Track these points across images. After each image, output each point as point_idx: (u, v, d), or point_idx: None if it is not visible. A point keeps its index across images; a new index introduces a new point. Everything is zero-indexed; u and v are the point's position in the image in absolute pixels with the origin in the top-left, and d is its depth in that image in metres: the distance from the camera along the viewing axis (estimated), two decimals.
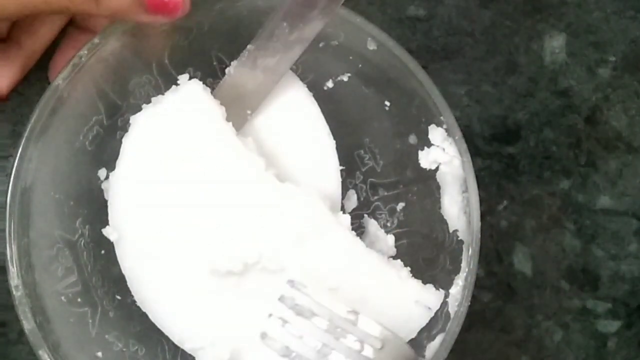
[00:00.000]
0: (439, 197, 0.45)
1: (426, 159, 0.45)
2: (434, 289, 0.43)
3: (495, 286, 0.51)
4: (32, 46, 0.43)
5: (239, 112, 0.43)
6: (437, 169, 0.44)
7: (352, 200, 0.47)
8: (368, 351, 0.39)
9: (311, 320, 0.40)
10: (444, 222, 0.44)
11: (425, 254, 0.45)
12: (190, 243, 0.42)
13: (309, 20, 0.41)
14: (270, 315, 0.41)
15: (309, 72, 0.46)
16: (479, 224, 0.43)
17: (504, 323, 0.51)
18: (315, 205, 0.42)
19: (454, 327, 0.41)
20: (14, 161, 0.40)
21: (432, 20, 0.52)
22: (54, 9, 0.39)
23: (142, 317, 0.43)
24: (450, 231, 0.44)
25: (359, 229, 0.47)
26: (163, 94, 0.43)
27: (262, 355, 0.43)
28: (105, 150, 0.44)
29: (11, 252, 0.40)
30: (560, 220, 0.52)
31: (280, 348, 0.41)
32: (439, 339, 0.42)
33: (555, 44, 0.53)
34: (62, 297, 0.42)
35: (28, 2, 0.38)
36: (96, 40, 0.41)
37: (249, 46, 0.42)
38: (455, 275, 0.43)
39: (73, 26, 0.45)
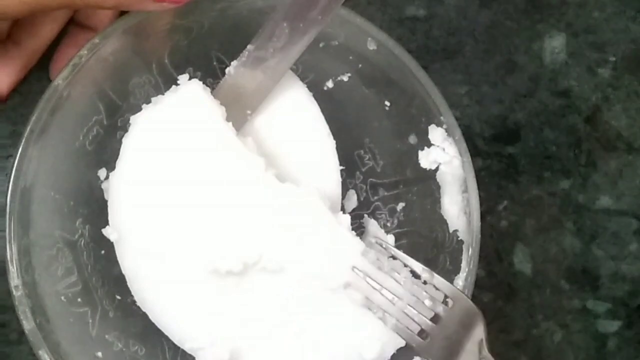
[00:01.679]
0: (439, 197, 0.45)
1: (426, 159, 0.45)
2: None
3: (495, 286, 0.51)
4: (33, 46, 0.43)
5: (239, 112, 0.43)
6: (437, 169, 0.44)
7: (352, 200, 0.47)
8: (439, 308, 0.41)
9: (391, 275, 0.41)
10: (444, 222, 0.44)
11: (425, 254, 0.45)
12: (190, 243, 0.42)
13: (309, 20, 0.41)
14: (353, 268, 0.41)
15: (309, 72, 0.46)
16: (479, 224, 0.43)
17: (504, 323, 0.51)
18: (315, 206, 0.42)
19: None
20: (14, 161, 0.40)
21: (432, 20, 0.52)
22: (60, 4, 0.39)
23: (142, 317, 0.43)
24: (450, 231, 0.44)
25: (359, 229, 0.47)
26: (163, 94, 0.43)
27: (262, 355, 0.43)
28: (105, 150, 0.44)
29: (11, 252, 0.40)
30: (560, 220, 0.52)
31: (360, 299, 0.41)
32: None
33: (555, 44, 0.53)
34: (62, 297, 0.42)
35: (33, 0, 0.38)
36: (96, 40, 0.41)
37: (249, 46, 0.42)
38: (455, 275, 0.43)
39: (74, 24, 0.45)
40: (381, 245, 0.42)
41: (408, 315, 0.41)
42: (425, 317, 0.41)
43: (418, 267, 0.42)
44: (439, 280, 0.41)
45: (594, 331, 0.52)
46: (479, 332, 0.40)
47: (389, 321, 0.41)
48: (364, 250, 0.41)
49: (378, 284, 0.41)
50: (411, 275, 0.42)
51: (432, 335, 0.40)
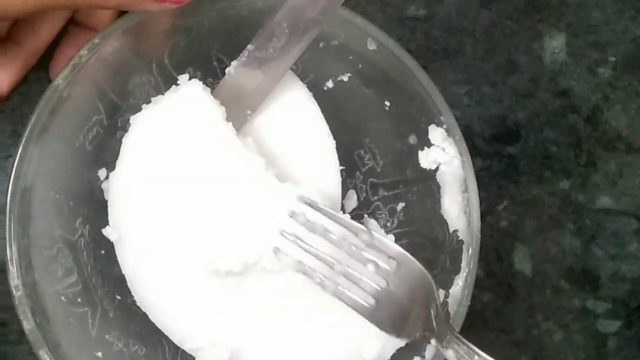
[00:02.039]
0: (439, 197, 0.45)
1: (426, 159, 0.45)
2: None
3: (495, 286, 0.51)
4: (33, 45, 0.43)
5: (239, 112, 0.43)
6: (437, 169, 0.44)
7: (352, 200, 0.47)
8: (383, 272, 0.38)
9: (324, 237, 0.38)
10: (444, 222, 0.44)
11: (425, 254, 0.45)
12: (190, 243, 0.42)
13: (309, 20, 0.41)
14: (281, 232, 0.39)
15: (309, 72, 0.46)
16: (479, 224, 0.43)
17: (504, 323, 0.51)
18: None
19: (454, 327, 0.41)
20: (14, 161, 0.40)
21: (432, 20, 0.52)
22: (62, 5, 0.39)
23: (142, 317, 0.43)
24: (450, 231, 0.44)
25: None
26: (163, 94, 0.43)
27: (262, 355, 0.43)
28: (105, 150, 0.44)
29: (11, 252, 0.40)
30: (560, 220, 0.52)
31: (292, 263, 0.39)
32: None
33: (555, 44, 0.53)
34: (62, 297, 0.42)
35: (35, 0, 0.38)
36: (96, 40, 0.41)
37: (249, 46, 0.42)
38: (455, 275, 0.43)
39: (74, 24, 0.45)
40: (311, 206, 0.39)
41: (349, 280, 0.38)
42: (368, 280, 0.38)
43: (355, 227, 0.38)
44: (381, 240, 0.38)
45: (594, 331, 0.52)
46: (430, 293, 0.37)
47: (328, 286, 0.39)
48: (292, 212, 0.39)
49: (310, 246, 0.38)
50: (355, 236, 0.39)
51: (377, 300, 0.37)
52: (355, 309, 0.38)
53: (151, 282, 0.42)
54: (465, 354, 0.37)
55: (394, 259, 0.38)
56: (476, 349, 0.37)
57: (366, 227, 0.46)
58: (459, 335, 0.37)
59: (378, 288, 0.38)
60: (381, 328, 0.38)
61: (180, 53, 0.44)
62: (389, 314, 0.38)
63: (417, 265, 0.38)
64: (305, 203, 0.39)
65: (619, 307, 0.52)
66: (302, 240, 0.39)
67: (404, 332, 0.38)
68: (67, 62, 0.41)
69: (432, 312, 0.37)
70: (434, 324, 0.37)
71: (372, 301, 0.38)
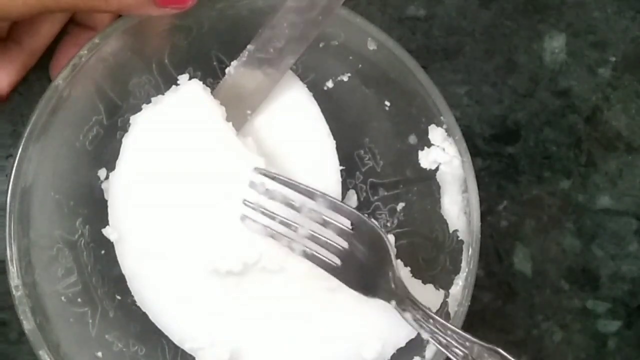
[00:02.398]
0: (439, 197, 0.45)
1: (426, 159, 0.45)
2: (434, 289, 0.43)
3: (495, 286, 0.51)
4: (33, 45, 0.43)
5: (239, 112, 0.43)
6: (437, 169, 0.44)
7: (352, 200, 0.47)
8: (345, 233, 0.39)
9: (285, 203, 0.40)
10: (444, 222, 0.44)
11: (425, 254, 0.45)
12: (190, 243, 0.42)
13: (309, 20, 0.41)
14: (244, 202, 0.40)
15: (309, 72, 0.46)
16: (479, 224, 0.43)
17: (504, 323, 0.51)
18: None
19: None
20: (14, 161, 0.40)
21: (432, 20, 0.52)
22: (63, 7, 0.39)
23: (142, 317, 0.43)
24: (450, 231, 0.44)
25: None
26: (163, 94, 0.43)
27: (262, 355, 0.43)
28: (105, 150, 0.44)
29: (11, 252, 0.40)
30: (560, 220, 0.52)
31: (260, 228, 0.41)
32: None
33: (555, 44, 0.53)
34: (62, 297, 0.42)
35: (36, 1, 0.38)
36: (96, 40, 0.41)
37: (249, 46, 0.42)
38: (455, 275, 0.43)
39: (74, 24, 0.45)
40: (268, 176, 0.40)
41: (314, 242, 0.39)
42: (331, 241, 0.39)
43: (311, 192, 0.40)
44: (337, 204, 0.40)
45: (594, 331, 0.52)
46: (386, 255, 0.39)
47: (296, 248, 0.40)
48: (251, 183, 0.40)
49: (273, 213, 0.40)
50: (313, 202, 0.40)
51: (343, 260, 0.39)
52: (324, 268, 0.40)
53: (151, 282, 0.42)
54: (422, 317, 0.39)
55: (351, 222, 0.40)
56: (431, 313, 0.39)
57: None
58: (414, 299, 0.39)
59: (341, 248, 0.39)
60: (350, 286, 0.40)
61: (180, 53, 0.44)
62: (354, 273, 0.39)
63: (373, 227, 0.39)
64: (262, 174, 0.40)
65: (619, 307, 0.52)
66: (265, 208, 0.40)
67: (370, 291, 0.39)
68: (67, 62, 0.41)
69: (389, 274, 0.39)
70: (393, 286, 0.39)
71: (337, 261, 0.39)
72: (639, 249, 0.52)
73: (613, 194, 0.53)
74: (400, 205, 0.47)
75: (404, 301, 0.39)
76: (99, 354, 0.42)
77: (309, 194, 0.40)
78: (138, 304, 0.43)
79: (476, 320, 0.50)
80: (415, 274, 0.43)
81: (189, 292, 0.42)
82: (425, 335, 0.39)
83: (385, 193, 0.47)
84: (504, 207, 0.52)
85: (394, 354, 0.43)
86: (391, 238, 0.46)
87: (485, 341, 0.39)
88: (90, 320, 0.43)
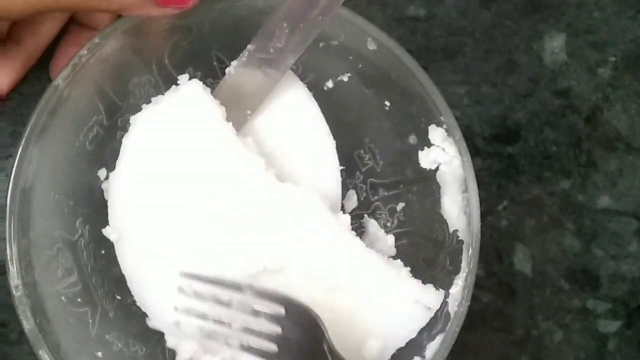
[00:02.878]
0: (439, 197, 0.45)
1: (426, 159, 0.45)
2: (434, 289, 0.43)
3: (495, 286, 0.51)
4: (33, 45, 0.43)
5: (239, 112, 0.43)
6: (437, 169, 0.44)
7: (352, 200, 0.47)
8: (275, 319, 0.39)
9: (215, 301, 0.40)
10: (444, 222, 0.44)
11: (425, 254, 0.45)
12: (191, 243, 0.42)
13: (309, 20, 0.41)
14: (175, 308, 0.41)
15: (309, 72, 0.46)
16: (479, 224, 0.43)
17: (504, 323, 0.51)
18: (315, 206, 0.42)
19: (454, 327, 0.41)
20: (14, 161, 0.40)
21: (432, 20, 0.52)
22: (63, 7, 0.39)
23: (142, 317, 0.43)
24: (450, 231, 0.44)
25: (359, 229, 0.47)
26: (163, 94, 0.43)
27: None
28: (105, 150, 0.44)
29: (11, 252, 0.40)
30: (560, 220, 0.52)
31: (196, 331, 0.41)
32: (439, 339, 0.42)
33: (555, 44, 0.53)
34: (62, 297, 0.42)
35: (37, 1, 0.38)
36: (96, 40, 0.41)
37: (249, 46, 0.42)
38: (455, 275, 0.43)
39: (74, 23, 0.45)
40: (195, 278, 0.41)
41: (248, 334, 0.40)
42: (264, 330, 0.40)
43: (237, 285, 0.40)
44: (265, 291, 0.40)
45: (594, 331, 0.52)
46: (318, 330, 0.39)
47: (234, 344, 0.40)
48: (179, 288, 0.41)
49: (204, 314, 0.40)
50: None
51: (279, 345, 0.39)
52: (263, 358, 0.40)
53: (151, 282, 0.42)
54: None
55: (281, 305, 0.40)
56: None
57: (366, 227, 0.47)
58: None
59: (274, 335, 0.40)
60: None
61: (180, 53, 0.44)
62: (292, 356, 0.40)
63: (302, 306, 0.40)
64: (187, 277, 0.41)
65: (619, 307, 0.52)
66: (196, 311, 0.41)
67: None
68: (67, 62, 0.41)
69: (325, 348, 0.39)
70: (329, 358, 0.39)
71: (274, 347, 0.40)
72: (639, 249, 0.52)
73: (613, 194, 0.53)
74: (400, 205, 0.47)
75: None
76: (99, 354, 0.42)
77: (236, 287, 0.40)
78: (138, 304, 0.43)
79: (476, 320, 0.50)
80: (415, 274, 0.43)
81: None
82: None
83: (385, 193, 0.47)
84: (504, 207, 0.52)
85: (394, 354, 0.43)
86: (391, 238, 0.46)
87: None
88: (90, 320, 0.43)
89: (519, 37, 0.53)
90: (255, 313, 0.40)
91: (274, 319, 0.39)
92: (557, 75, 0.53)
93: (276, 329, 0.39)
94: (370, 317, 0.42)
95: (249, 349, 0.40)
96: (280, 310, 0.39)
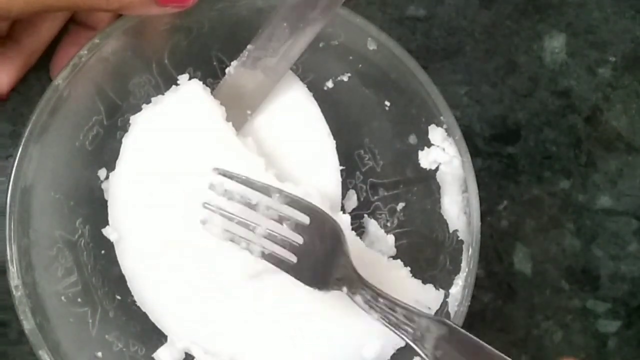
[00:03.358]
0: (439, 197, 0.45)
1: (426, 159, 0.45)
2: (434, 289, 0.43)
3: (495, 286, 0.51)
4: (33, 44, 0.43)
5: (239, 112, 0.43)
6: (437, 169, 0.44)
7: (352, 200, 0.47)
8: (299, 228, 0.39)
9: (244, 203, 0.40)
10: (444, 222, 0.44)
11: (425, 254, 0.45)
12: (190, 243, 0.42)
13: (309, 20, 0.41)
14: (204, 205, 0.40)
15: (309, 72, 0.46)
16: (479, 224, 0.43)
17: (504, 323, 0.51)
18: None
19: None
20: (14, 161, 0.40)
21: (432, 20, 0.52)
22: (63, 6, 0.39)
23: (142, 317, 0.43)
24: (450, 231, 0.44)
25: (359, 229, 0.47)
26: (163, 94, 0.43)
27: (262, 356, 0.43)
28: (105, 150, 0.44)
29: (11, 252, 0.40)
30: (560, 220, 0.52)
31: (220, 232, 0.40)
32: None
33: (555, 44, 0.53)
34: (62, 297, 0.42)
35: (37, 0, 0.38)
36: (96, 40, 0.41)
37: (249, 46, 0.42)
38: (455, 275, 0.43)
39: (74, 23, 0.45)
40: (226, 176, 0.40)
41: (271, 240, 0.39)
42: (288, 238, 0.39)
43: (267, 188, 0.40)
44: (293, 197, 0.40)
45: (594, 331, 0.52)
46: (338, 243, 0.39)
47: (255, 250, 0.40)
48: (211, 185, 0.40)
49: (232, 214, 0.40)
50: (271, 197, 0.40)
51: (299, 256, 0.39)
52: (280, 268, 0.40)
53: (151, 282, 0.42)
54: (371, 298, 0.39)
55: (307, 214, 0.39)
56: (379, 291, 0.39)
57: (366, 227, 0.47)
58: (364, 279, 0.39)
59: (296, 244, 0.39)
60: (305, 282, 0.39)
61: (180, 53, 0.44)
62: (309, 268, 0.39)
63: (327, 217, 0.40)
64: (220, 174, 0.40)
65: (619, 307, 0.52)
66: (224, 210, 0.40)
67: (323, 284, 0.39)
68: (67, 62, 0.41)
69: (342, 260, 0.39)
70: (344, 271, 0.39)
71: (294, 258, 0.39)
72: (639, 249, 0.52)
73: (613, 194, 0.53)
74: (400, 205, 0.47)
75: (354, 284, 0.39)
76: (99, 354, 0.42)
77: (265, 190, 0.40)
78: (138, 304, 0.43)
79: (476, 320, 0.50)
80: (415, 274, 0.43)
81: (189, 292, 0.42)
82: (375, 316, 0.39)
83: (385, 193, 0.47)
84: (504, 207, 0.52)
85: (394, 354, 0.43)
86: (391, 238, 0.46)
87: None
88: (90, 320, 0.43)
89: (519, 37, 0.53)
90: (281, 220, 0.39)
91: (298, 227, 0.39)
92: (557, 75, 0.53)
93: (298, 239, 0.39)
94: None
95: (269, 257, 0.40)
96: (305, 218, 0.39)
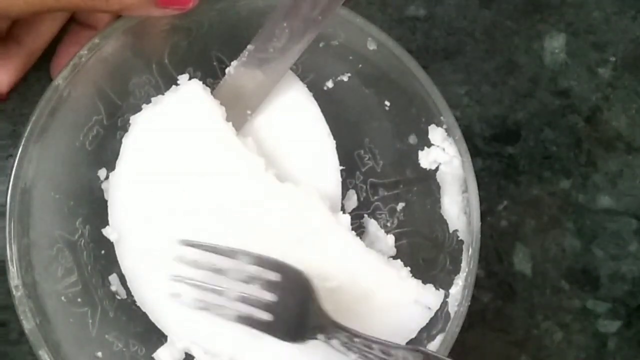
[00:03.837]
0: (439, 197, 0.45)
1: (426, 159, 0.45)
2: (434, 289, 0.43)
3: (495, 286, 0.51)
4: (33, 44, 0.43)
5: (239, 112, 0.43)
6: (437, 169, 0.44)
7: (352, 200, 0.47)
8: (269, 284, 0.39)
9: (211, 270, 0.40)
10: (444, 222, 0.44)
11: (425, 254, 0.45)
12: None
13: (309, 20, 0.41)
14: (172, 278, 0.40)
15: (309, 72, 0.46)
16: (479, 224, 0.43)
17: (504, 323, 0.51)
18: (315, 205, 0.42)
19: (454, 327, 0.41)
20: (14, 161, 0.40)
21: (432, 20, 0.52)
22: (64, 7, 0.39)
23: (142, 317, 0.43)
24: (450, 231, 0.44)
25: (359, 229, 0.47)
26: (163, 94, 0.43)
27: (262, 356, 0.43)
28: (105, 150, 0.44)
29: (11, 252, 0.40)
30: (560, 220, 0.52)
31: (193, 302, 0.40)
32: (439, 339, 0.42)
33: (555, 44, 0.53)
34: (62, 297, 0.42)
35: (37, 0, 0.38)
36: (96, 40, 0.41)
37: (249, 46, 0.42)
38: (455, 275, 0.43)
39: (75, 22, 0.45)
40: (192, 246, 0.40)
41: (244, 303, 0.39)
42: (261, 298, 0.39)
43: (232, 252, 0.40)
44: (260, 257, 0.40)
45: (594, 331, 0.52)
46: (308, 292, 0.39)
47: (229, 315, 0.40)
48: (177, 257, 0.40)
49: (202, 283, 0.40)
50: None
51: (274, 313, 0.39)
52: (257, 329, 0.40)
53: (151, 282, 0.42)
54: (347, 339, 0.39)
55: (276, 271, 0.39)
56: (355, 331, 0.39)
57: (366, 227, 0.47)
58: (337, 323, 0.39)
59: (270, 302, 0.39)
60: (282, 338, 0.40)
61: (180, 53, 0.44)
62: (285, 322, 0.39)
63: (294, 269, 0.39)
64: (185, 244, 0.40)
65: (619, 307, 0.52)
66: (192, 280, 0.40)
67: (300, 336, 0.39)
68: (67, 62, 0.41)
69: (313, 309, 0.39)
70: (317, 319, 0.39)
71: (269, 316, 0.39)
72: (639, 249, 0.52)
73: (613, 194, 0.53)
74: (400, 205, 0.47)
75: (328, 329, 0.39)
76: (99, 354, 0.42)
77: (231, 254, 0.40)
78: (138, 304, 0.43)
79: (476, 320, 0.50)
80: (415, 274, 0.43)
81: (189, 292, 0.42)
82: (353, 357, 0.38)
83: (385, 193, 0.47)
84: (504, 207, 0.52)
85: None
86: (391, 238, 0.46)
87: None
88: (90, 320, 0.43)
89: (519, 37, 0.53)
90: (251, 280, 0.39)
91: (270, 285, 0.39)
92: (557, 75, 0.53)
93: (272, 296, 0.39)
94: (370, 317, 0.42)
95: (244, 320, 0.40)
96: (276, 276, 0.39)
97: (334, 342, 0.39)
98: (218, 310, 0.40)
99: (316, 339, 0.39)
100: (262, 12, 0.42)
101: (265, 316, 0.39)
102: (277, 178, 0.42)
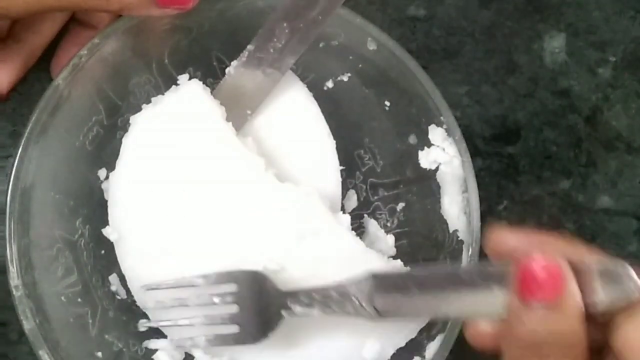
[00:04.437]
0: (439, 197, 0.45)
1: (426, 159, 0.45)
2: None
3: None
4: (33, 44, 0.43)
5: (239, 112, 0.43)
6: (437, 169, 0.44)
7: (352, 200, 0.47)
8: (229, 297, 0.40)
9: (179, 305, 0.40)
10: (444, 222, 0.44)
11: (425, 254, 0.45)
12: (190, 243, 0.42)
13: (309, 20, 0.41)
14: (140, 323, 0.41)
15: (309, 72, 0.46)
16: (479, 224, 0.43)
17: None
18: (315, 205, 0.42)
19: (454, 327, 0.41)
20: (14, 161, 0.40)
21: (432, 20, 0.52)
22: (65, 6, 0.39)
23: (142, 317, 0.43)
24: (450, 231, 0.44)
25: (359, 229, 0.47)
26: (163, 94, 0.43)
27: (262, 356, 0.43)
28: (105, 150, 0.44)
29: (11, 252, 0.40)
30: (560, 220, 0.52)
31: (166, 346, 0.41)
32: (439, 339, 0.42)
33: (555, 44, 0.53)
34: (62, 297, 0.42)
35: (37, 0, 0.38)
36: (96, 40, 0.41)
37: (249, 46, 0.42)
38: None
39: (75, 22, 0.45)
40: (152, 289, 0.41)
41: (212, 324, 0.40)
42: (222, 314, 0.39)
43: (187, 280, 0.40)
44: (215, 275, 0.40)
45: None
46: (264, 283, 0.39)
47: (200, 343, 0.40)
48: (143, 305, 0.41)
49: (168, 321, 0.40)
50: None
51: (240, 324, 0.39)
52: (229, 344, 0.40)
53: (151, 282, 0.42)
54: (306, 298, 0.39)
55: (232, 282, 0.40)
56: (310, 287, 0.39)
57: (366, 227, 0.47)
58: (291, 290, 0.39)
59: (232, 314, 0.40)
60: (251, 343, 0.40)
61: (180, 53, 0.44)
62: (252, 329, 0.40)
63: (245, 272, 0.40)
64: (147, 289, 0.41)
65: None
66: (162, 322, 0.41)
67: (268, 329, 0.40)
68: (67, 62, 0.41)
69: (272, 294, 0.39)
70: (277, 300, 0.39)
71: (235, 328, 0.40)
72: (639, 249, 0.52)
73: (613, 194, 0.53)
74: (400, 205, 0.47)
75: (287, 301, 0.39)
76: (99, 354, 0.42)
77: (189, 282, 0.40)
78: (138, 304, 0.43)
79: None
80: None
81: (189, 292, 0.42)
82: (316, 313, 0.38)
83: (385, 193, 0.47)
84: (504, 207, 0.52)
85: (394, 354, 0.43)
86: (391, 238, 0.46)
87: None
88: (90, 320, 0.43)
89: (519, 37, 0.53)
90: (212, 300, 0.40)
91: (230, 298, 0.39)
92: (557, 75, 0.53)
93: (234, 308, 0.39)
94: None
95: (215, 341, 0.40)
96: (232, 286, 0.39)
97: (297, 309, 0.39)
98: (189, 343, 0.40)
99: (282, 317, 0.39)
100: (262, 12, 0.42)
101: (232, 329, 0.39)
102: (277, 178, 0.42)
